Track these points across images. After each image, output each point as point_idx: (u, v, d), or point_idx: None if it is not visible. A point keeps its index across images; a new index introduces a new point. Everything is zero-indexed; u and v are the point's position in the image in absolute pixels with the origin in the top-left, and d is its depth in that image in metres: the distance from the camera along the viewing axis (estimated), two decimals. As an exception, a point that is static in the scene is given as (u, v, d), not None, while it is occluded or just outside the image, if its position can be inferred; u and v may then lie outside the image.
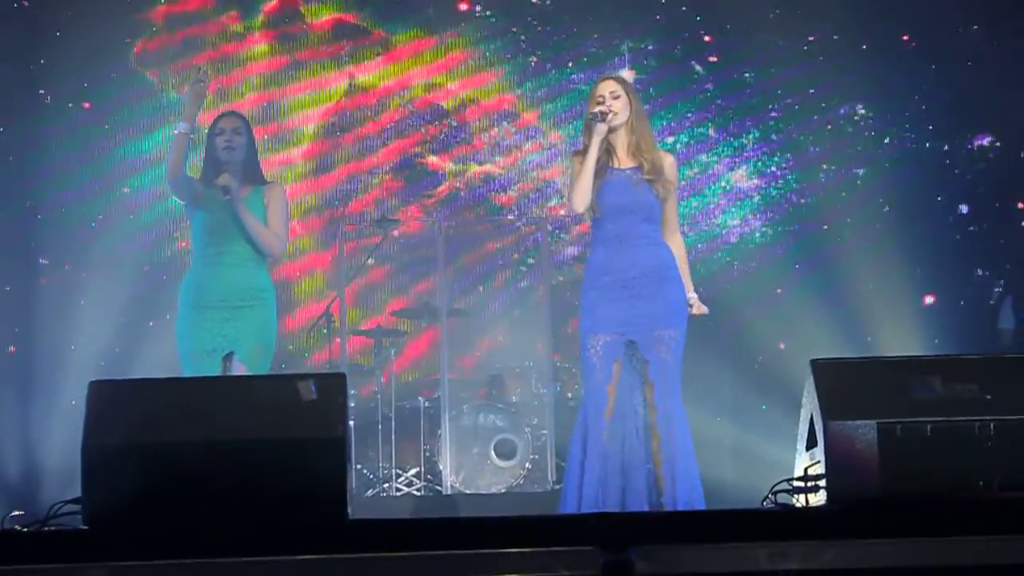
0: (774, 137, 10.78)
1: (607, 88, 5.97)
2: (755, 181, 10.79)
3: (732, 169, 10.81)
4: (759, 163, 10.80)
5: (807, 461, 4.72)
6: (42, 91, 10.09)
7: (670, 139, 10.63)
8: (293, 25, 10.64)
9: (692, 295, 6.01)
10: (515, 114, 10.76)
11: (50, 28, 10.05)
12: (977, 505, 4.22)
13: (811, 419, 4.64)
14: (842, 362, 4.67)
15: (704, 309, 6.03)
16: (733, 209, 10.77)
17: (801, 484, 4.67)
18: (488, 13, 10.74)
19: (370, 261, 9.95)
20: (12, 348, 9.68)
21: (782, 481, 4.75)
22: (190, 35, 10.42)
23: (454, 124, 10.69)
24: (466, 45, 10.70)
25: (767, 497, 4.74)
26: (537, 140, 10.78)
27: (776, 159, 10.80)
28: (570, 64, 10.69)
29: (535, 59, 10.73)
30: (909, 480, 4.28)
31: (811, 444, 4.66)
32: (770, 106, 10.75)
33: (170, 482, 4.22)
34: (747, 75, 10.72)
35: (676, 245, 6.04)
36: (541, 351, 9.59)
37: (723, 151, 10.81)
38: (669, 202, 5.99)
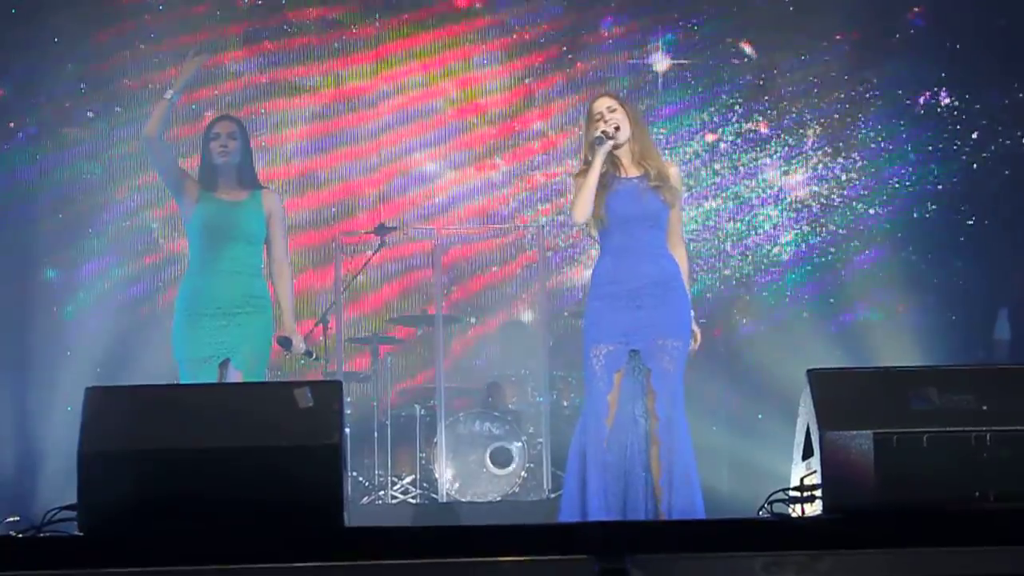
0: (837, 133, 9.38)
1: (604, 104, 5.97)
2: (814, 187, 9.50)
3: (787, 172, 9.54)
4: (820, 165, 9.48)
5: (803, 471, 4.72)
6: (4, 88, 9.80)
7: (711, 137, 9.58)
8: (274, 20, 10.29)
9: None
10: (517, 116, 10.40)
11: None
12: (973, 516, 4.22)
13: (807, 429, 4.64)
14: (839, 372, 4.67)
15: (695, 339, 5.95)
16: (787, 222, 9.57)
17: (797, 494, 4.67)
18: (487, 8, 10.21)
19: (361, 275, 9.90)
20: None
21: (778, 491, 4.75)
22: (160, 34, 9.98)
23: (454, 127, 10.55)
24: (465, 43, 10.23)
25: (763, 507, 4.74)
26: (540, 144, 10.39)
27: (840, 160, 9.45)
28: (579, 65, 10.09)
29: (541, 57, 10.18)
30: (905, 490, 4.28)
31: (807, 454, 4.66)
32: (835, 94, 9.39)
33: (166, 489, 4.22)
34: (803, 57, 9.40)
35: (679, 257, 6.01)
36: (538, 360, 9.57)
37: (776, 150, 9.57)
38: (674, 212, 5.99)
